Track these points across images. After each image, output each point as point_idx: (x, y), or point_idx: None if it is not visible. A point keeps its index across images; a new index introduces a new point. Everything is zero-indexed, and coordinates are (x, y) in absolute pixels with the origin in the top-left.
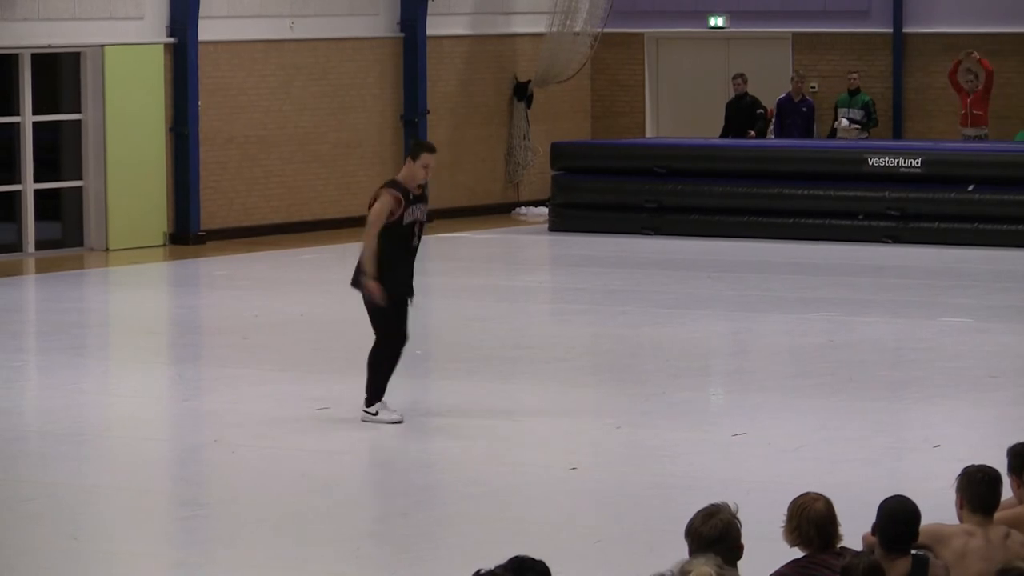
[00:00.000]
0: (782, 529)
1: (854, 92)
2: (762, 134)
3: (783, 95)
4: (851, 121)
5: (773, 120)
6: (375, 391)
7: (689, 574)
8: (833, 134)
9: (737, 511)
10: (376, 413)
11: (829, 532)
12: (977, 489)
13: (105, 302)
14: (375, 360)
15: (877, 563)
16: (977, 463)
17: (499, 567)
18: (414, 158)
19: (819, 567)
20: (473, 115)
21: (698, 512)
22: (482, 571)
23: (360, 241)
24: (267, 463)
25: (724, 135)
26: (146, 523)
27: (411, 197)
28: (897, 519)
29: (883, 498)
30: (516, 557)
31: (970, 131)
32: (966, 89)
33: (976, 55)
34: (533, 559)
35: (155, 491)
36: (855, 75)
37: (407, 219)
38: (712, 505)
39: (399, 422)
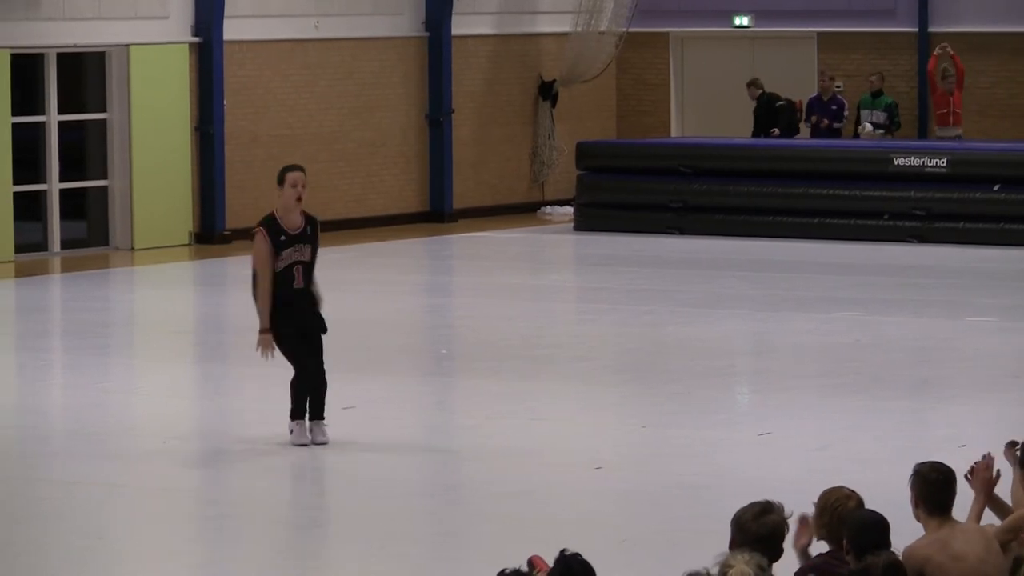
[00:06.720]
0: (810, 517)
1: (876, 94)
2: (791, 127)
3: (813, 95)
4: (875, 125)
5: (806, 117)
6: (294, 406)
7: (731, 569)
8: (856, 138)
9: (791, 516)
10: (292, 431)
11: None
12: (933, 488)
13: (130, 301)
14: (293, 384)
15: (897, 560)
16: (930, 460)
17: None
18: (280, 183)
19: (844, 564)
20: (498, 114)
21: (751, 505)
22: (507, 570)
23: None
24: (292, 462)
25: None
26: (171, 522)
27: (284, 238)
28: (869, 529)
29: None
30: (562, 555)
31: (950, 131)
32: (945, 90)
33: (950, 51)
34: (581, 559)
35: (180, 490)
36: (876, 76)
37: (282, 263)
38: (767, 501)
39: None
